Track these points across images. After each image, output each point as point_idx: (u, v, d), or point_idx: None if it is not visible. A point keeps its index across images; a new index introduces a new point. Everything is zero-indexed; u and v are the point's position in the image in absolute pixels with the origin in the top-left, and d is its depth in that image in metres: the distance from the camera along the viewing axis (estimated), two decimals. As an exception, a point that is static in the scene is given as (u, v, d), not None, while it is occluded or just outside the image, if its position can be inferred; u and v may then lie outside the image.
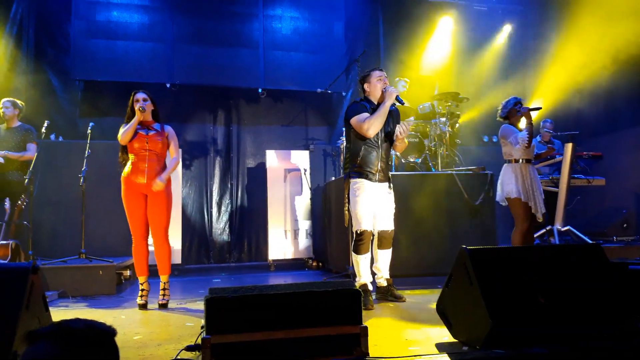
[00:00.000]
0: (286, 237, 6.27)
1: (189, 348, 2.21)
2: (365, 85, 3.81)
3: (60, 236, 5.33)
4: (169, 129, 3.93)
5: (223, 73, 7.16)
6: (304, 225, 6.32)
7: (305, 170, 6.43)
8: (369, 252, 3.73)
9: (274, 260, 6.24)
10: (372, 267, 3.88)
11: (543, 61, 7.64)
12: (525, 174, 4.26)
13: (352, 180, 3.72)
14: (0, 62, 6.56)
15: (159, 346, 2.59)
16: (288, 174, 6.41)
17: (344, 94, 7.02)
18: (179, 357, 2.24)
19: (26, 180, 4.56)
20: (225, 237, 7.26)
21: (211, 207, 7.29)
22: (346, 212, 3.79)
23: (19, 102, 5.04)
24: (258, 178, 7.10)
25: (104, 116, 6.43)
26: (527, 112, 4.24)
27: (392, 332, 2.83)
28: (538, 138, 6.01)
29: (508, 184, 4.27)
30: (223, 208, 7.35)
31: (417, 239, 4.76)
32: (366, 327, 2.24)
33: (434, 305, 2.72)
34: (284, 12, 7.51)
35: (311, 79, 7.17)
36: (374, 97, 3.78)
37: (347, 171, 3.79)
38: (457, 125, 6.10)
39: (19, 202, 4.41)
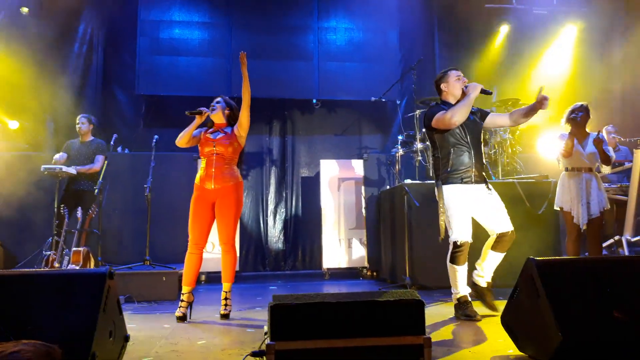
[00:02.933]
0: (340, 246, 6.27)
1: (254, 354, 2.26)
2: (443, 86, 3.58)
3: (126, 243, 5.61)
4: (234, 128, 3.76)
5: (279, 85, 7.33)
6: (359, 234, 6.31)
7: (359, 179, 6.44)
8: (466, 263, 3.46)
9: (328, 269, 6.25)
10: (473, 270, 3.61)
11: (609, 64, 7.28)
12: (570, 182, 4.29)
13: (445, 188, 3.46)
14: (72, 78, 7.03)
15: (223, 351, 2.66)
16: (342, 182, 6.43)
17: (398, 102, 6.99)
18: (243, 362, 2.30)
19: (96, 190, 4.84)
20: (280, 245, 7.38)
21: (267, 216, 7.44)
22: (441, 223, 3.52)
23: (92, 117, 5.37)
24: (312, 187, 7.19)
25: (168, 128, 6.74)
26: (569, 119, 4.34)
27: (456, 344, 2.76)
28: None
29: (557, 193, 4.43)
30: (278, 217, 7.48)
31: (478, 250, 4.63)
32: (429, 338, 2.20)
33: (497, 317, 2.64)
34: (338, 24, 7.62)
35: (365, 88, 7.20)
36: (453, 97, 3.53)
37: (439, 178, 3.52)
38: (518, 132, 5.91)
39: (90, 211, 4.67)
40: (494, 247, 3.47)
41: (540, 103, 3.39)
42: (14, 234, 5.51)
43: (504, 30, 7.62)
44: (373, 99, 6.13)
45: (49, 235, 4.92)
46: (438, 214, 3.55)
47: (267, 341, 2.20)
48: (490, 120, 3.64)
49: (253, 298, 4.69)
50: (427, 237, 4.85)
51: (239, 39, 7.39)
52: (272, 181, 7.59)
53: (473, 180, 3.43)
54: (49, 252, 4.56)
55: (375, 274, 6.17)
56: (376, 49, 7.57)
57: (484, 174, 3.55)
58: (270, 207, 7.49)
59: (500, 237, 3.44)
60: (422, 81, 6.51)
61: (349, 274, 6.39)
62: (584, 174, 4.27)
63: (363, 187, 6.39)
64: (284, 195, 7.54)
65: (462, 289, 3.48)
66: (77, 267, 4.34)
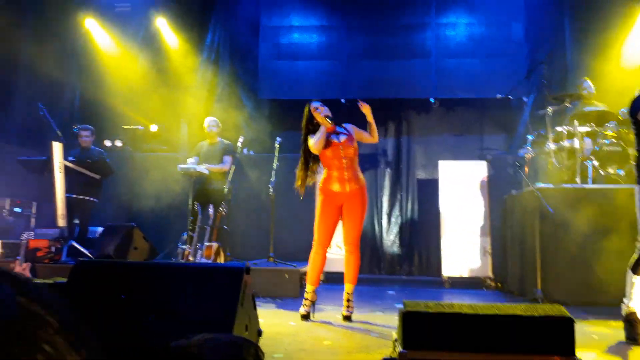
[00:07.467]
0: (461, 253, 5.96)
1: (386, 361, 2.21)
2: None
3: (251, 240, 5.89)
4: (350, 127, 3.81)
5: (394, 85, 7.24)
6: (481, 241, 5.95)
7: (482, 182, 6.09)
8: None
9: (448, 277, 5.98)
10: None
11: None
12: None
13: None
14: (201, 85, 7.59)
15: (350, 354, 2.64)
16: (463, 185, 6.12)
17: (524, 99, 6.51)
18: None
19: (225, 189, 5.15)
20: (395, 249, 7.26)
21: (381, 219, 7.37)
22: None
23: (218, 121, 5.73)
24: (429, 190, 6.97)
25: (289, 131, 6.98)
26: None
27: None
28: None
29: None
30: (393, 219, 7.38)
31: (617, 262, 4.14)
32: (581, 361, 1.99)
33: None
34: (458, 19, 7.33)
35: (487, 85, 6.83)
36: None
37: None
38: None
39: (220, 208, 4.98)
40: None
41: None
42: (153, 228, 6.06)
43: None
44: (499, 96, 5.75)
45: (183, 230, 5.32)
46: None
47: (399, 349, 2.14)
48: None
49: (372, 301, 4.64)
50: (564, 247, 4.45)
51: (354, 41, 7.44)
52: (387, 183, 7.51)
53: None
54: (184, 246, 4.94)
55: (499, 285, 5.78)
56: (499, 44, 7.16)
57: None
58: (385, 209, 7.41)
59: None
60: (553, 75, 5.99)
61: (470, 283, 6.06)
62: None
63: (487, 191, 6.02)
64: (399, 197, 7.42)
65: (634, 302, 3.04)
66: (209, 261, 4.63)
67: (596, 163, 4.91)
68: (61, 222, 5.03)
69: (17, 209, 6.19)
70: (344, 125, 3.84)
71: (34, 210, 6.34)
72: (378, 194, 7.42)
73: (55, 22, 7.18)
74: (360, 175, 3.77)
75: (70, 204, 5.27)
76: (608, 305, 4.07)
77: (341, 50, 7.47)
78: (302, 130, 3.83)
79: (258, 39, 7.65)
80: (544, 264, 4.37)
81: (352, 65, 7.39)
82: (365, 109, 3.71)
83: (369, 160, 7.45)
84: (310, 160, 3.81)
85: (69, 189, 5.30)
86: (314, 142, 3.64)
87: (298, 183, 3.81)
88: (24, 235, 5.14)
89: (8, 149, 6.31)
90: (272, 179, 5.06)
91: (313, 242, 3.75)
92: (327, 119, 3.66)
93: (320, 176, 3.82)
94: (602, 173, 4.96)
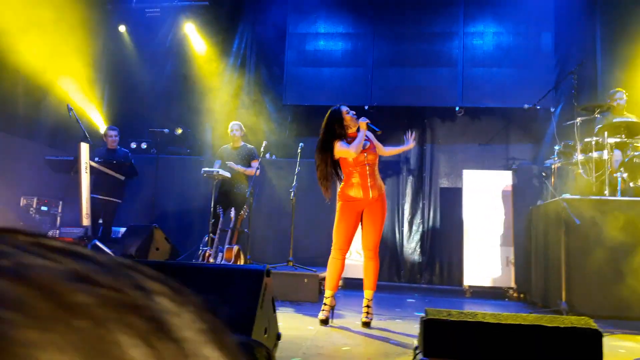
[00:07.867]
0: (484, 263, 5.86)
1: (405, 367, 2.17)
2: None
3: (271, 244, 5.91)
4: (369, 134, 3.77)
5: (419, 93, 7.20)
6: (505, 251, 5.84)
7: (507, 192, 5.98)
8: None
9: (470, 286, 5.89)
10: None
11: None
12: None
13: None
14: (227, 89, 7.67)
15: (368, 360, 2.62)
16: (488, 195, 6.03)
17: (552, 109, 6.38)
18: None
19: (248, 193, 5.18)
20: (416, 257, 7.18)
21: (402, 226, 7.30)
22: None
23: (242, 125, 5.78)
24: (451, 198, 6.89)
25: (312, 137, 6.98)
26: None
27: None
28: None
29: None
30: (414, 227, 7.30)
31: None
32: (609, 376, 1.92)
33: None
34: (486, 29, 7.25)
35: (514, 95, 6.74)
36: None
37: None
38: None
39: (242, 212, 5.00)
40: None
41: None
42: (176, 229, 6.12)
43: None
44: (526, 106, 5.65)
45: (205, 233, 5.36)
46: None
47: (420, 356, 2.10)
48: None
49: (391, 309, 4.59)
50: (590, 259, 4.33)
51: (380, 48, 7.42)
52: (409, 191, 7.44)
53: None
54: (205, 248, 4.98)
55: (522, 295, 5.66)
56: (527, 54, 7.05)
57: None
58: (406, 217, 7.34)
59: None
60: (582, 86, 5.86)
61: (492, 293, 5.95)
62: None
63: (511, 201, 5.92)
64: (421, 205, 7.34)
65: None
66: (230, 263, 4.65)
67: (625, 175, 4.78)
68: (85, 221, 5.12)
69: (44, 208, 6.33)
70: (370, 137, 3.83)
71: (60, 209, 6.48)
72: (400, 201, 7.36)
73: (89, 25, 7.36)
74: (381, 182, 3.78)
75: (95, 204, 5.37)
76: (636, 319, 3.96)
77: (367, 58, 7.46)
78: (322, 133, 3.71)
79: (284, 46, 7.69)
80: (568, 275, 4.26)
81: (377, 73, 7.37)
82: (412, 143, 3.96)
83: (391, 167, 7.41)
84: (331, 164, 3.69)
85: (94, 189, 5.40)
86: (354, 147, 3.52)
87: (324, 190, 3.73)
88: (49, 234, 5.25)
89: (36, 148, 6.48)
90: (294, 183, 5.07)
91: (332, 248, 3.73)
92: (364, 122, 3.64)
93: (340, 182, 3.80)
94: (632, 185, 4.82)
